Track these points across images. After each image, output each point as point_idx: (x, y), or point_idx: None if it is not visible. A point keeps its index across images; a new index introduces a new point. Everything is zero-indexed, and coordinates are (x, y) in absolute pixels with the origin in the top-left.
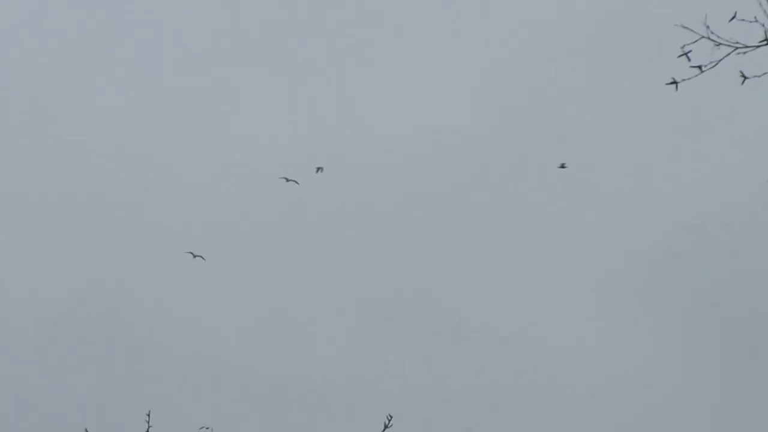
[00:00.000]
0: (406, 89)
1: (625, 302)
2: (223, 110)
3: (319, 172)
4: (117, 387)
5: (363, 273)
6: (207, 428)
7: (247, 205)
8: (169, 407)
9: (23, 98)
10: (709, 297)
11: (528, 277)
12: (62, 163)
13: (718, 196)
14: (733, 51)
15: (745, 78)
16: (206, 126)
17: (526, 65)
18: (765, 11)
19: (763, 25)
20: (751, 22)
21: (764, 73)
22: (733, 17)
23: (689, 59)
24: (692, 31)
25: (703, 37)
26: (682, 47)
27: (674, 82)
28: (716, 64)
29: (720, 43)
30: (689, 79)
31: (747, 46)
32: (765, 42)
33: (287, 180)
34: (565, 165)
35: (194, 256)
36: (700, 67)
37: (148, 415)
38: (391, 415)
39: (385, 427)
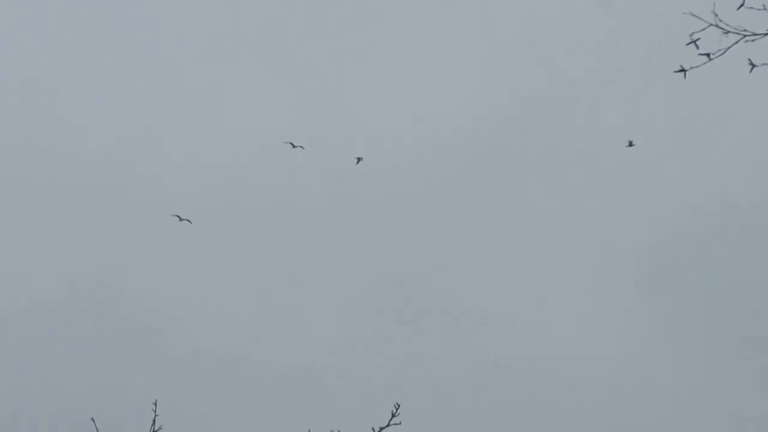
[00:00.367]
0: (407, 81)
1: (626, 290)
2: (220, 103)
3: (359, 162)
4: (116, 375)
5: (362, 261)
6: None
7: (245, 196)
8: (168, 395)
9: (26, 88)
10: (709, 284)
11: (529, 266)
12: (64, 153)
13: (719, 186)
14: (741, 39)
15: (754, 66)
16: (204, 118)
17: (527, 58)
18: None
19: None
20: (759, 9)
21: None
22: (741, 5)
23: (697, 47)
24: (700, 19)
25: (711, 24)
26: (691, 35)
27: (682, 70)
28: (724, 51)
29: (728, 31)
30: (697, 66)
31: (755, 34)
32: None
33: (293, 146)
34: (633, 143)
35: (180, 219)
36: (708, 54)
37: (155, 404)
38: (399, 404)
39: (393, 416)
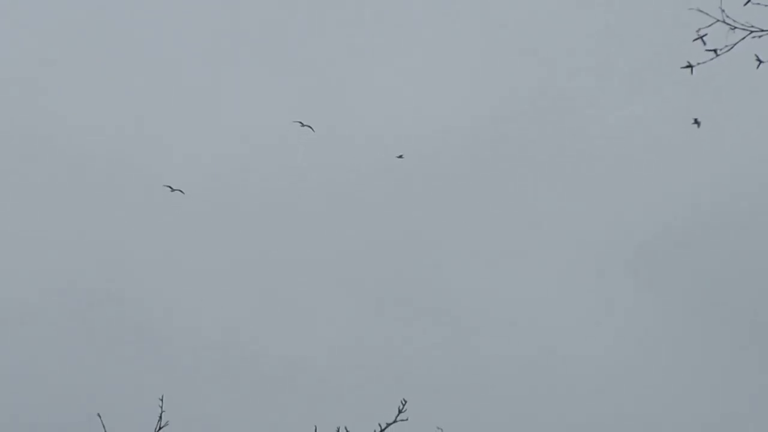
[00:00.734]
0: (407, 81)
1: (624, 287)
2: (219, 101)
3: (401, 158)
4: (117, 372)
5: (363, 256)
6: None
7: (245, 194)
8: (171, 391)
9: (24, 86)
10: (707, 281)
11: (527, 261)
12: (62, 151)
13: (717, 182)
14: (748, 35)
15: (761, 62)
16: (204, 116)
17: (527, 57)
18: None
19: None
20: (766, 6)
21: None
22: (748, 1)
23: (704, 43)
24: (707, 14)
25: (718, 20)
26: (698, 31)
27: (689, 66)
28: (731, 48)
29: (735, 27)
30: (704, 62)
31: (763, 30)
32: None
33: (302, 125)
34: (699, 121)
35: (172, 190)
36: (715, 50)
37: (161, 400)
38: (405, 400)
39: (399, 412)
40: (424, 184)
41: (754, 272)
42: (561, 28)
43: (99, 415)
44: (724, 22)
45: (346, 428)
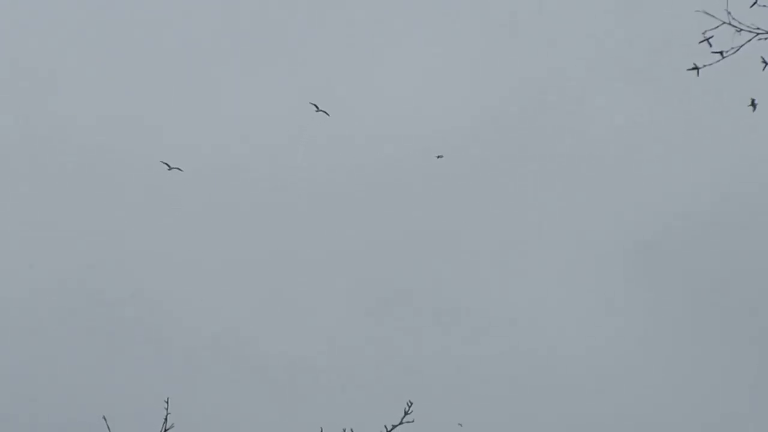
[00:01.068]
0: (408, 77)
1: (624, 283)
2: (219, 97)
3: (440, 158)
4: (115, 371)
5: (364, 255)
6: None
7: (244, 190)
8: (170, 391)
9: (17, 74)
10: (707, 277)
11: (525, 260)
12: (57, 142)
13: (713, 180)
14: (754, 37)
15: (767, 64)
16: (204, 111)
17: (525, 56)
18: None
19: None
20: None
21: None
22: (755, 3)
23: (710, 45)
24: (713, 16)
25: (724, 23)
26: (704, 33)
27: (695, 68)
28: (737, 50)
29: (741, 29)
30: (710, 64)
31: None
32: None
33: (317, 109)
34: (756, 102)
35: (170, 168)
36: (721, 53)
37: (167, 402)
38: (411, 401)
39: (405, 413)
40: (425, 183)
41: (754, 271)
42: (562, 28)
43: (104, 417)
44: (730, 24)
45: (351, 430)
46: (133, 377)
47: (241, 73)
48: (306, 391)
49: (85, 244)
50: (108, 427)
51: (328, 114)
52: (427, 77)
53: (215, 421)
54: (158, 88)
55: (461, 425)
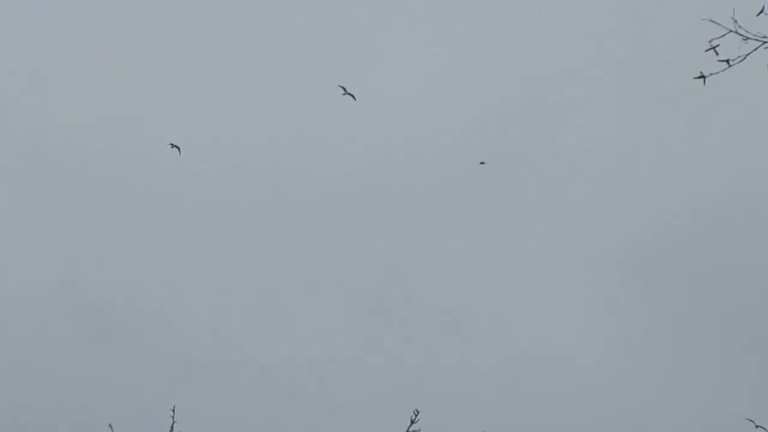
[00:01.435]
0: (407, 78)
1: (621, 286)
2: (220, 92)
3: (483, 164)
4: (105, 377)
5: (362, 258)
6: None
7: (238, 190)
8: (168, 394)
9: (14, 85)
10: (705, 279)
11: (524, 262)
12: (46, 140)
13: (712, 181)
14: (761, 45)
15: None
16: (198, 107)
17: (524, 58)
18: None
19: None
20: None
21: None
22: (761, 11)
23: (717, 53)
24: (720, 25)
25: (730, 31)
26: (710, 41)
27: (702, 77)
28: (744, 58)
29: (748, 38)
30: (717, 73)
31: None
32: None
33: (345, 92)
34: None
35: (173, 146)
36: (728, 61)
37: (173, 410)
38: (418, 410)
39: (412, 422)
40: (423, 185)
41: (754, 272)
42: (561, 29)
43: (110, 426)
44: (736, 32)
45: None
46: (128, 381)
47: (240, 74)
48: (304, 396)
49: (75, 247)
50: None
51: (354, 98)
52: (425, 81)
53: (212, 426)
54: (154, 88)
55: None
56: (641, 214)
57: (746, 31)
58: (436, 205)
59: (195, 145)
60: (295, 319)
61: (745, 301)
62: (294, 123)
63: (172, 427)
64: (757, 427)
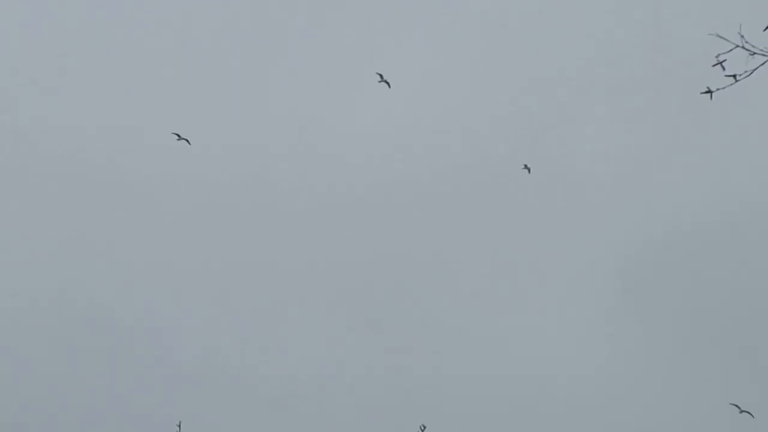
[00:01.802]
0: (403, 78)
1: (614, 304)
2: (211, 105)
3: (527, 169)
4: (100, 387)
5: (358, 273)
6: None
7: (232, 200)
8: (162, 408)
9: (7, 89)
10: (696, 295)
11: (515, 281)
12: (34, 146)
13: (702, 200)
14: (767, 61)
15: None
16: (193, 120)
17: (519, 58)
18: None
19: None
20: None
21: None
22: (767, 27)
23: (724, 68)
24: (726, 40)
25: (737, 46)
26: (717, 56)
27: (709, 92)
28: (751, 73)
29: (755, 53)
30: (723, 88)
31: None
32: None
33: (381, 79)
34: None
35: (179, 138)
36: (734, 76)
37: (179, 426)
38: (425, 425)
39: None
40: (417, 198)
41: (749, 284)
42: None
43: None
44: (743, 47)
45: None
46: (123, 395)
47: (237, 81)
48: (298, 411)
49: (72, 259)
50: None
51: (389, 86)
52: (426, 79)
53: None
54: (153, 96)
55: None
56: (639, 226)
57: (753, 46)
58: (429, 224)
59: (193, 154)
60: (288, 334)
61: (742, 312)
62: (290, 132)
63: None
64: (741, 412)
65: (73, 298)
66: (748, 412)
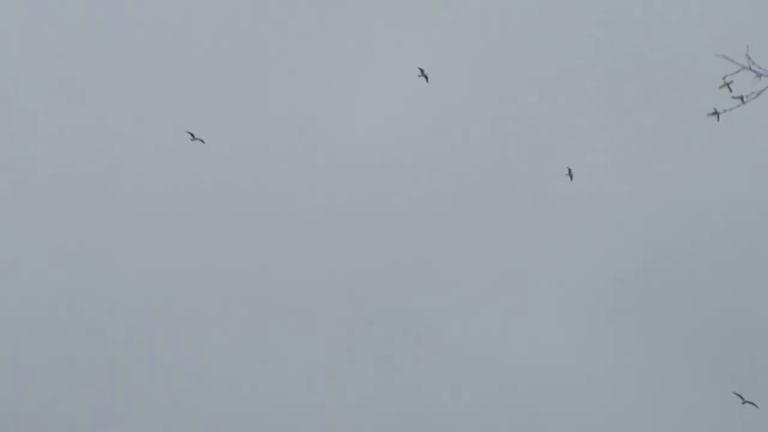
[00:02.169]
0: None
1: (608, 316)
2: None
3: (570, 175)
4: (95, 402)
5: (351, 291)
6: None
7: (227, 216)
8: (149, 424)
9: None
10: (691, 313)
11: (510, 296)
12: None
13: (696, 220)
14: None
15: None
16: (192, 122)
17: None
18: None
19: None
20: None
21: None
22: None
23: (731, 90)
24: (733, 61)
25: (744, 67)
26: (724, 78)
27: (716, 113)
28: (758, 95)
29: (761, 74)
30: (730, 110)
31: None
32: None
33: (421, 73)
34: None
35: (193, 138)
36: (741, 97)
37: None
38: None
39: None
40: (411, 216)
41: (743, 305)
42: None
43: None
44: (750, 69)
45: None
46: (120, 411)
47: (233, 90)
48: (295, 428)
49: (63, 271)
50: None
51: (427, 80)
52: (410, 113)
53: None
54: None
55: None
56: (628, 253)
57: (760, 68)
58: (427, 241)
59: (191, 159)
60: (280, 355)
61: (741, 325)
62: (280, 150)
63: None
64: (743, 403)
65: (66, 311)
66: (752, 403)
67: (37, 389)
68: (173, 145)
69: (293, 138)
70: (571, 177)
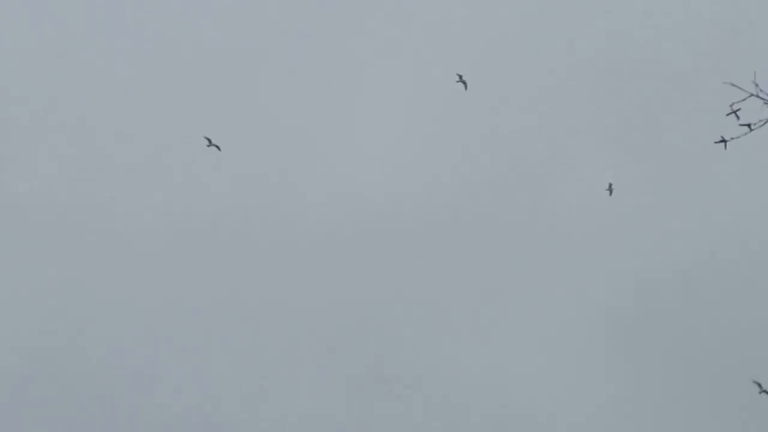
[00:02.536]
0: (386, 140)
1: (600, 346)
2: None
3: (610, 190)
4: None
5: (340, 323)
6: None
7: (219, 242)
8: None
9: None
10: (682, 341)
11: (502, 330)
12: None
13: (694, 242)
14: None
15: None
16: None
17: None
18: None
19: None
20: None
21: None
22: None
23: (738, 117)
24: (741, 89)
25: (752, 95)
26: (731, 105)
27: (723, 141)
28: (765, 122)
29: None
30: (738, 138)
31: None
32: None
33: (459, 79)
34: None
35: (209, 144)
36: (749, 125)
37: None
38: None
39: None
40: (405, 245)
41: (736, 334)
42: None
43: None
44: (758, 96)
45: None
46: None
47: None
48: None
49: (41, 309)
50: None
51: (466, 87)
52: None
53: None
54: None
55: None
56: (623, 277)
57: (767, 95)
58: (422, 269)
59: (176, 197)
60: (272, 387)
61: (733, 355)
62: (287, 170)
63: None
64: (761, 392)
65: (61, 346)
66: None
67: (18, 419)
68: (163, 165)
69: (288, 163)
70: (611, 192)
